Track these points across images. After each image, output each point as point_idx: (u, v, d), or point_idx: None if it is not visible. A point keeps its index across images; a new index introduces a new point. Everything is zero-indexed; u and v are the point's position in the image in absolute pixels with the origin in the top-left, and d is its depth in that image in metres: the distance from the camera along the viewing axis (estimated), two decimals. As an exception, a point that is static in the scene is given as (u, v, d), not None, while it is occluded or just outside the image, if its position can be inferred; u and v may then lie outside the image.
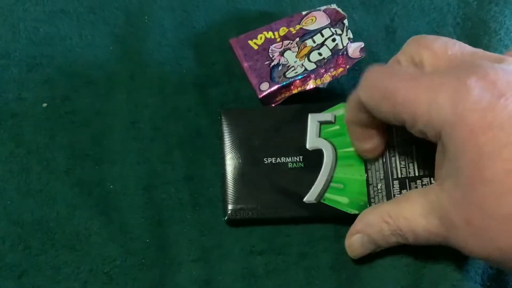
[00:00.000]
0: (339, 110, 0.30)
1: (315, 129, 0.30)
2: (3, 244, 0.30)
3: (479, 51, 0.24)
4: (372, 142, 0.28)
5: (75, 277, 0.29)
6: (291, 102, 0.31)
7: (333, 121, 0.30)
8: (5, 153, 0.31)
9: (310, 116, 0.30)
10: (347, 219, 0.29)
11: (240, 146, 0.30)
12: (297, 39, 0.33)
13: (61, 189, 0.30)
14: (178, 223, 0.30)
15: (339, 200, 0.29)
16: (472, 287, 0.29)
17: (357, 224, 0.28)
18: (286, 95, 0.31)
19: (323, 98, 0.32)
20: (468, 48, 0.24)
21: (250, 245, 0.30)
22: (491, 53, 0.24)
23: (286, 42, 0.33)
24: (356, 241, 0.28)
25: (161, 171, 0.31)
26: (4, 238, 0.30)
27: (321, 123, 0.30)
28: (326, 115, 0.30)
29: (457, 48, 0.24)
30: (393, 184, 0.29)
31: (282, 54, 0.32)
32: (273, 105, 0.32)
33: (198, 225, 0.30)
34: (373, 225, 0.27)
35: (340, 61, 0.31)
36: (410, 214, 0.25)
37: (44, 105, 0.32)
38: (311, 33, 0.33)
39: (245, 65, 0.33)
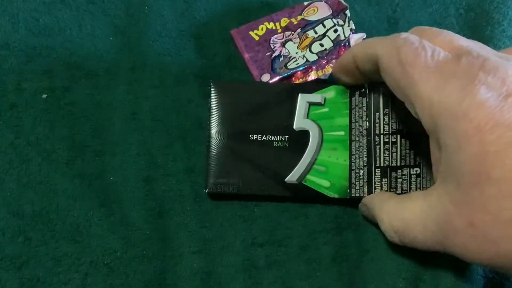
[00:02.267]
0: (330, 93, 0.30)
1: (303, 110, 0.29)
2: (3, 235, 0.29)
3: (485, 46, 0.23)
4: (353, 81, 0.29)
5: (75, 268, 0.29)
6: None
7: (323, 103, 0.30)
8: (5, 144, 0.31)
9: (300, 96, 0.30)
10: (328, 201, 0.30)
11: (228, 120, 0.30)
12: (299, 30, 0.32)
13: (61, 180, 0.30)
14: (179, 215, 0.30)
15: (320, 183, 0.29)
16: (475, 279, 0.29)
17: (368, 200, 0.29)
18: (288, 86, 0.31)
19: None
20: (473, 43, 0.23)
21: (251, 237, 0.30)
22: (498, 52, 0.23)
23: (287, 33, 0.32)
24: (363, 208, 0.29)
25: (161, 163, 0.31)
26: (4, 229, 0.30)
27: (310, 104, 0.29)
28: (316, 96, 0.30)
29: (462, 41, 0.23)
30: (375, 172, 0.29)
31: (283, 45, 0.32)
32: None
33: (199, 216, 0.30)
34: (374, 214, 0.27)
35: (342, 52, 0.31)
36: (409, 216, 0.24)
37: (44, 96, 0.32)
38: (312, 24, 0.32)
39: (246, 56, 0.32)
